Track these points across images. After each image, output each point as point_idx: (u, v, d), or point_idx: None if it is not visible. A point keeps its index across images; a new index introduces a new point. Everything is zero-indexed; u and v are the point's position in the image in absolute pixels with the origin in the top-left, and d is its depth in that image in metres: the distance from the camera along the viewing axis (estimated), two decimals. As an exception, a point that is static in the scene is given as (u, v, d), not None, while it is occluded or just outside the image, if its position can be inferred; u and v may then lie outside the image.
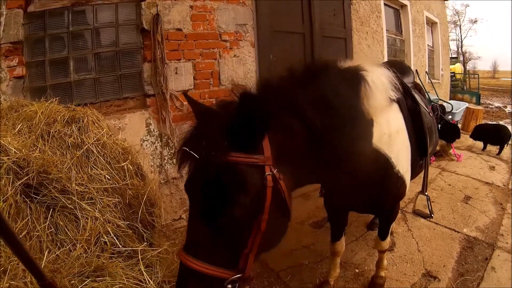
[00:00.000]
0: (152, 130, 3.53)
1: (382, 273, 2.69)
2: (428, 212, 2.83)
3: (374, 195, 2.02)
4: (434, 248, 3.19)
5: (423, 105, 2.45)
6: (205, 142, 1.24)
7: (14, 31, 3.09)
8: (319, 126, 1.46)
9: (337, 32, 5.42)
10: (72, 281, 1.21)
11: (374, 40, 6.31)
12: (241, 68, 4.11)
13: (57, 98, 2.02)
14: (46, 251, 1.36)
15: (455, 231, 3.49)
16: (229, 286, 1.27)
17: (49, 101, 1.94)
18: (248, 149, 1.26)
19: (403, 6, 7.89)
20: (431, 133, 2.44)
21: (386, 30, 6.83)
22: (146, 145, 3.49)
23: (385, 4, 6.87)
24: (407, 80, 2.49)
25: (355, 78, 1.71)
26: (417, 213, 3.10)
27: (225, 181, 1.23)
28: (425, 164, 2.41)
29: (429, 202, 2.75)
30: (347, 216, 2.63)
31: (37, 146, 1.62)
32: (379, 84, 1.78)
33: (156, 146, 3.56)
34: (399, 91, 1.97)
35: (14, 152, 1.44)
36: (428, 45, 9.12)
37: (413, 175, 2.31)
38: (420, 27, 8.53)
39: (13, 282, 1.04)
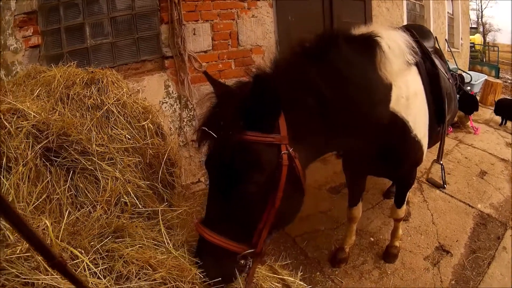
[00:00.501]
0: (171, 92, 3.50)
1: (397, 243, 2.69)
2: (441, 182, 2.74)
3: (391, 159, 2.00)
4: (448, 222, 3.16)
5: (442, 70, 2.35)
6: (223, 122, 1.28)
7: (27, 1, 3.02)
8: (333, 99, 1.45)
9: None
10: (92, 243, 1.19)
11: (393, 3, 6.01)
12: (259, 29, 3.98)
13: (75, 62, 1.95)
14: (66, 214, 1.33)
15: (470, 206, 3.44)
16: (242, 261, 1.32)
17: (67, 65, 1.88)
18: (264, 128, 1.29)
19: (423, -31, 7.38)
20: (450, 99, 2.35)
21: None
22: (165, 107, 3.47)
23: (404, -33, 6.46)
24: (427, 44, 2.39)
25: (369, 45, 1.66)
26: (430, 182, 3.03)
27: (241, 159, 1.26)
28: (442, 132, 2.33)
29: (443, 171, 2.68)
30: (365, 181, 2.61)
31: (57, 109, 1.58)
32: (396, 48, 1.73)
33: (175, 108, 3.53)
34: (417, 54, 1.89)
35: (33, 116, 1.40)
36: (448, 12, 8.66)
37: (431, 142, 2.25)
38: (440, -8, 8.06)
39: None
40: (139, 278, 1.10)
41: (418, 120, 1.93)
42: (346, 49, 1.58)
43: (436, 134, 2.25)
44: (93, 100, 1.70)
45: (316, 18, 4.50)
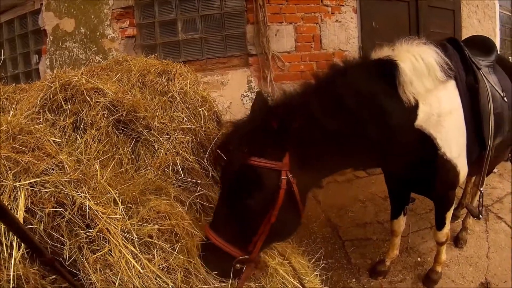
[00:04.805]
0: (252, 87, 4.01)
1: (438, 268, 2.66)
2: (477, 211, 2.57)
3: (419, 177, 2.08)
4: (503, 259, 2.97)
5: (496, 86, 2.24)
6: (231, 148, 1.68)
7: (125, -2, 3.80)
8: (336, 128, 1.67)
9: (444, 2, 5.03)
10: (134, 193, 1.61)
11: (485, 15, 5.59)
12: (343, 34, 4.26)
13: (156, 54, 2.50)
14: (124, 170, 1.84)
15: (534, 247, 3.12)
16: (237, 265, 1.62)
17: (148, 57, 2.42)
18: (269, 155, 1.61)
19: (519, -22, 6.62)
20: (500, 120, 2.20)
21: (499, 5, 5.96)
22: (246, 101, 3.99)
23: (498, -25, 5.94)
24: (486, 58, 2.31)
25: (388, 69, 1.80)
26: (467, 208, 2.84)
27: (245, 179, 1.61)
28: (486, 156, 2.21)
29: (481, 199, 2.50)
30: (407, 195, 2.62)
31: (132, 92, 2.09)
32: (422, 68, 1.82)
33: None
34: (452, 70, 1.93)
35: (111, 94, 1.92)
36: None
37: (474, 167, 2.21)
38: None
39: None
40: (155, 223, 1.51)
41: (451, 138, 1.96)
42: (355, 77, 1.78)
43: (480, 159, 2.19)
44: (162, 87, 2.20)
45: (402, 25, 4.58)
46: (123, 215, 1.47)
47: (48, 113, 1.84)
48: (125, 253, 1.37)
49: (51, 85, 1.88)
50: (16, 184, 1.32)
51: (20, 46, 4.75)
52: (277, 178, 1.61)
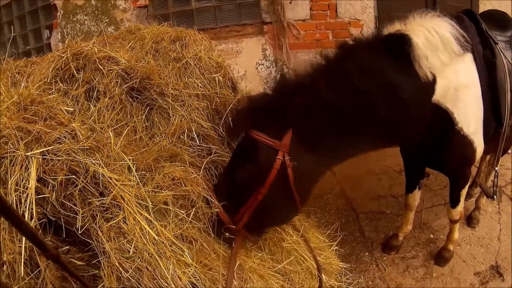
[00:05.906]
0: (267, 55, 3.95)
1: (451, 247, 2.61)
2: (491, 192, 2.49)
3: (435, 153, 2.04)
4: None
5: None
6: (239, 119, 1.76)
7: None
8: (348, 109, 1.65)
9: (463, -25, 4.73)
10: (148, 160, 1.60)
11: None
12: (358, 3, 4.12)
13: (169, 22, 2.45)
14: (138, 137, 1.82)
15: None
16: (226, 233, 1.67)
17: (161, 25, 2.37)
18: (272, 132, 1.64)
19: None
20: None
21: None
22: (261, 69, 3.97)
23: None
24: (502, 33, 2.21)
25: (399, 44, 1.73)
26: (481, 188, 2.76)
27: (244, 149, 1.71)
28: (502, 133, 2.13)
29: (496, 179, 2.41)
30: (423, 170, 2.57)
31: (145, 59, 2.05)
32: (436, 41, 1.76)
33: (271, 70, 3.98)
34: (468, 42, 1.85)
35: (124, 62, 1.88)
36: None
37: (491, 145, 2.15)
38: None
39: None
40: (170, 190, 1.50)
41: (469, 113, 1.91)
42: (364, 55, 1.73)
43: (496, 136, 2.12)
44: (176, 53, 2.14)
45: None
46: (138, 182, 1.45)
47: (60, 83, 1.81)
48: (139, 220, 1.35)
49: (63, 55, 1.85)
50: (28, 154, 1.30)
51: (30, 23, 4.72)
52: (272, 157, 1.62)
